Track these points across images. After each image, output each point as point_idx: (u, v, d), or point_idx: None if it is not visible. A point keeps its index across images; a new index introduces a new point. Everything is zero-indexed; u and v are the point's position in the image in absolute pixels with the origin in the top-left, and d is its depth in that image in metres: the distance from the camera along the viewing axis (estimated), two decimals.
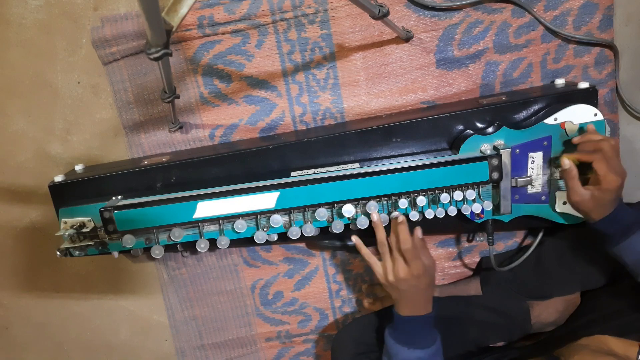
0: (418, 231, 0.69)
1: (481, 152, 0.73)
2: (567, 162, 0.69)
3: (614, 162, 0.65)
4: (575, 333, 0.76)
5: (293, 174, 0.76)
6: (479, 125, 0.76)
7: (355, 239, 0.72)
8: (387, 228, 0.70)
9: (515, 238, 0.93)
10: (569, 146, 0.73)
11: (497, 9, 0.81)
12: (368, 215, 0.72)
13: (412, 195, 0.73)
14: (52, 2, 0.83)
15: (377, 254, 0.95)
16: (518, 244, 0.93)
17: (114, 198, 0.75)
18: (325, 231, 0.76)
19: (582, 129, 0.73)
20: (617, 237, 0.66)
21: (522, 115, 0.76)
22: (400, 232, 0.66)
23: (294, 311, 1.00)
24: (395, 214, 0.72)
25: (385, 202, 0.73)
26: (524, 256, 0.84)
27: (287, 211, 0.72)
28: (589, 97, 0.75)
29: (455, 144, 0.76)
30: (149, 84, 0.85)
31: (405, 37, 0.81)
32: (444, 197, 0.73)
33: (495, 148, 0.73)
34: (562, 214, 0.77)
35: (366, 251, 0.71)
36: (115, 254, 0.78)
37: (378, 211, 0.72)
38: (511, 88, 0.85)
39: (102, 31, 0.81)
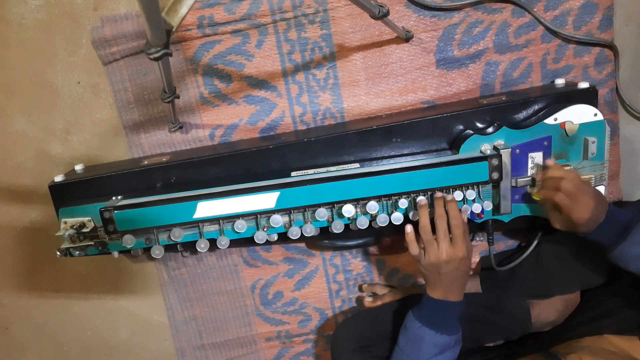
0: (464, 215, 0.70)
1: (481, 152, 0.73)
2: (538, 199, 0.72)
3: (577, 198, 0.65)
4: (574, 331, 0.76)
5: (293, 174, 0.76)
6: (479, 125, 0.76)
7: (409, 229, 0.70)
8: (388, 228, 0.70)
9: (515, 238, 0.93)
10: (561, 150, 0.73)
11: (497, 9, 0.81)
12: (368, 215, 0.72)
13: (412, 195, 0.73)
14: (52, 2, 0.83)
15: (379, 254, 0.95)
16: (518, 243, 0.93)
17: (114, 198, 0.75)
18: (325, 231, 0.76)
19: (545, 166, 0.73)
20: (608, 246, 0.66)
21: (522, 115, 0.76)
22: (451, 210, 0.67)
23: (294, 311, 1.00)
24: (439, 194, 0.71)
25: (385, 202, 0.73)
26: (524, 255, 0.84)
27: (287, 211, 0.72)
28: (589, 97, 0.75)
29: (455, 144, 0.76)
30: (149, 84, 0.85)
31: (405, 37, 0.81)
32: None
33: (495, 148, 0.73)
34: None
35: (415, 246, 0.70)
36: (115, 254, 0.78)
37: (378, 211, 0.72)
38: (511, 88, 0.85)
39: (102, 31, 0.81)
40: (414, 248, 0.69)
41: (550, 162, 0.71)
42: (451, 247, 0.66)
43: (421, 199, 0.71)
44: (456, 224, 0.67)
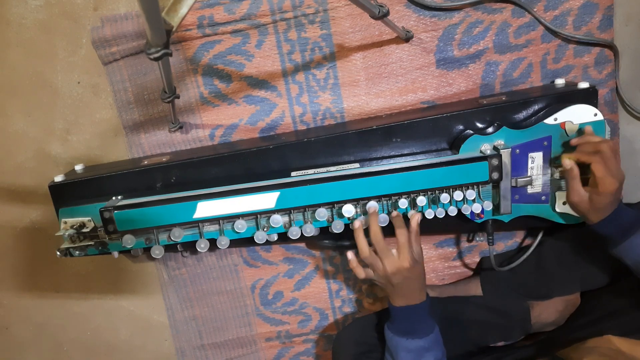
0: (417, 216, 0.69)
1: (481, 152, 0.73)
2: (568, 162, 0.69)
3: (611, 165, 0.64)
4: (575, 333, 0.75)
5: (293, 174, 0.76)
6: (479, 125, 0.76)
7: (350, 256, 0.72)
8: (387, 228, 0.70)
9: (515, 238, 0.93)
10: (568, 146, 0.73)
11: (497, 9, 0.81)
12: (368, 215, 0.72)
13: (412, 195, 0.73)
14: (52, 2, 0.83)
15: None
16: (518, 244, 0.93)
17: (114, 198, 0.75)
18: (325, 231, 0.76)
19: (580, 130, 0.73)
20: (617, 238, 0.66)
21: (522, 115, 0.76)
22: (395, 221, 0.68)
23: (294, 311, 1.00)
24: (372, 208, 0.72)
25: (385, 202, 0.73)
26: (524, 256, 0.84)
27: (287, 211, 0.72)
28: (589, 97, 0.75)
29: (455, 144, 0.76)
30: (149, 84, 0.85)
31: (405, 37, 0.81)
32: (444, 197, 0.73)
33: (495, 148, 0.73)
34: (562, 214, 0.77)
35: (360, 270, 0.71)
36: (115, 254, 0.78)
37: (377, 211, 0.72)
38: (511, 88, 0.85)
39: (102, 31, 0.81)
40: (359, 272, 0.70)
41: (589, 128, 0.71)
42: (395, 259, 0.66)
43: (356, 224, 0.70)
44: (398, 233, 0.67)
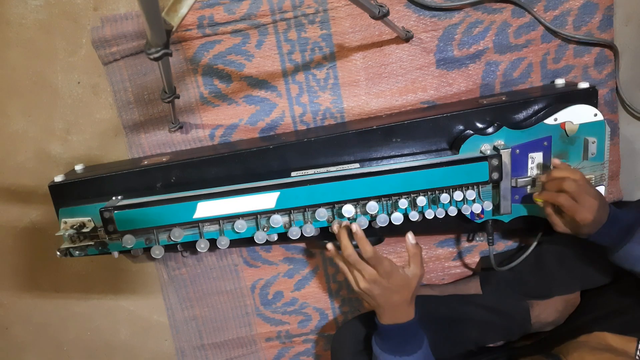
0: (411, 236, 0.66)
1: (481, 152, 0.73)
2: (539, 203, 0.70)
3: (581, 199, 0.64)
4: (575, 332, 0.76)
5: (293, 174, 0.76)
6: (479, 125, 0.76)
7: (330, 247, 0.69)
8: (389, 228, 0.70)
9: (515, 238, 0.93)
10: (569, 146, 0.73)
11: (497, 9, 0.81)
12: (368, 215, 0.72)
13: (412, 195, 0.73)
14: (52, 2, 0.83)
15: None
16: (518, 244, 0.93)
17: (114, 198, 0.75)
18: (325, 231, 0.76)
19: (547, 167, 0.72)
20: (610, 248, 0.66)
21: (522, 115, 0.76)
22: (358, 241, 0.64)
23: (294, 311, 1.00)
24: (345, 223, 0.69)
25: (385, 202, 0.73)
26: (524, 256, 0.84)
27: (287, 211, 0.72)
28: (589, 97, 0.75)
29: (455, 144, 0.76)
30: (149, 84, 0.85)
31: (405, 37, 0.81)
32: (444, 197, 0.73)
33: (495, 148, 0.73)
34: None
35: (342, 265, 0.69)
36: (115, 254, 0.78)
37: (378, 211, 0.72)
38: (511, 88, 0.86)
39: (102, 31, 0.81)
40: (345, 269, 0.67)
41: (556, 161, 0.71)
42: (372, 269, 0.63)
43: (334, 228, 0.68)
44: (363, 251, 0.63)
